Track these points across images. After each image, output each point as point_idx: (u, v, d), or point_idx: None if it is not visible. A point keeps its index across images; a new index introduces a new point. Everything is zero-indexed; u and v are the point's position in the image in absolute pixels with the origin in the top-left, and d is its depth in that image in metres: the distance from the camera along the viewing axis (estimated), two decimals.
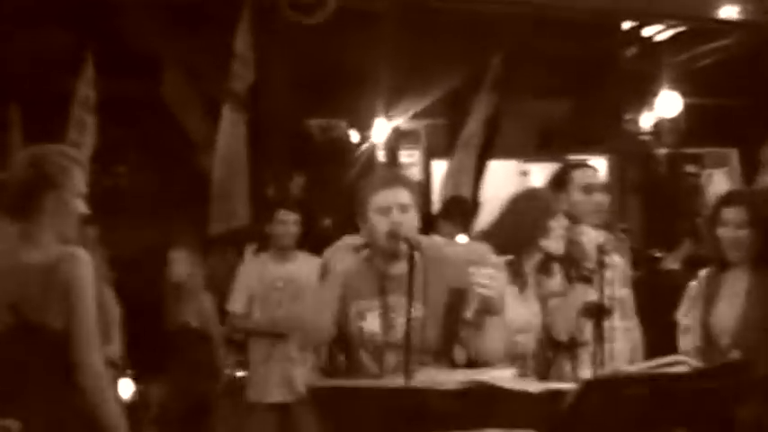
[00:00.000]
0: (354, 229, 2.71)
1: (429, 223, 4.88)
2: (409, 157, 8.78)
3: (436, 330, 2.52)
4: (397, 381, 2.28)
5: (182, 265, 5.11)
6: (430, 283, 2.51)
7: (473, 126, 7.39)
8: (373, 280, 2.60)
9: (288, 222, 4.81)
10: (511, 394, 2.13)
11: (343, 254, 2.55)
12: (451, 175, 7.37)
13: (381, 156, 8.25)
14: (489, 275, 2.40)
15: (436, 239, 3.12)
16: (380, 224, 2.57)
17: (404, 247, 2.48)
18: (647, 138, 8.72)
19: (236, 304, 4.93)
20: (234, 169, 6.34)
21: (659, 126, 8.53)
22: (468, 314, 2.44)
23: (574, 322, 2.97)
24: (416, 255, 2.46)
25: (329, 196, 7.49)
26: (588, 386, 2.13)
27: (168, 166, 7.19)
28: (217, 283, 5.45)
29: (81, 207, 2.62)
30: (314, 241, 4.94)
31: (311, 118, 8.07)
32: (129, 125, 7.03)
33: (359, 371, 2.54)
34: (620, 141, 8.72)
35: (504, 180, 7.62)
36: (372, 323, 2.58)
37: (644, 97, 8.37)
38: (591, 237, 2.98)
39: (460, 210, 5.21)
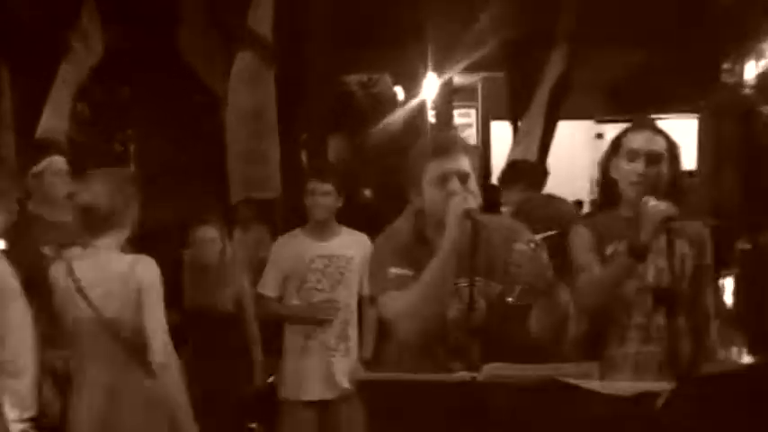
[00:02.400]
0: (400, 202, 2.78)
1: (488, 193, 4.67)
2: (464, 117, 8.81)
3: (495, 317, 2.59)
4: (461, 374, 2.32)
5: (214, 244, 5.00)
6: (492, 262, 2.59)
7: (546, 83, 7.30)
8: (429, 251, 2.64)
9: (319, 193, 4.70)
10: (592, 394, 2.17)
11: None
12: (520, 139, 7.26)
13: (432, 116, 8.16)
14: (526, 255, 2.43)
15: (498, 217, 3.16)
16: (438, 197, 2.61)
17: (466, 223, 2.53)
18: (748, 91, 8.39)
19: (268, 287, 4.85)
20: (261, 129, 6.33)
21: (764, 78, 8.27)
22: (511, 297, 2.48)
23: (600, 296, 2.97)
24: (475, 230, 2.53)
25: (371, 163, 7.53)
26: (685, 386, 2.20)
27: (186, 127, 7.19)
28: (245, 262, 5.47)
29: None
30: (354, 214, 4.99)
31: (350, 73, 8.07)
32: (138, 83, 7.20)
33: (412, 361, 2.60)
34: (715, 96, 8.42)
35: (576, 143, 7.82)
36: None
37: (746, 43, 8.09)
38: (656, 208, 2.91)
39: (526, 177, 4.90)
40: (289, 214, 5.93)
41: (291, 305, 4.82)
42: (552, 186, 5.05)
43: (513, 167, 5.24)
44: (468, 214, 2.54)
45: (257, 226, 6.40)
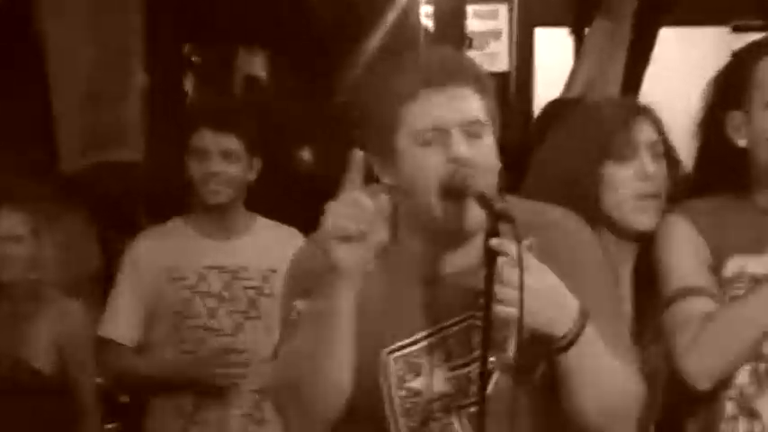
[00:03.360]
0: (362, 173, 2.24)
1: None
2: (487, 20, 7.56)
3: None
4: None
5: (18, 246, 4.21)
6: (532, 289, 2.07)
7: None
8: (419, 292, 2.29)
9: (214, 153, 3.88)
10: None
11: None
12: (587, 64, 6.15)
13: (428, 16, 7.16)
14: (506, 277, 2.06)
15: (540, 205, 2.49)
16: (426, 163, 2.20)
17: (476, 213, 2.15)
18: None
19: (120, 327, 3.99)
20: (111, 50, 5.69)
21: None
22: (509, 352, 2.17)
23: (736, 357, 2.62)
24: (502, 230, 2.10)
25: (312, 100, 6.79)
26: None
27: None
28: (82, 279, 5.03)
29: None
30: (279, 196, 4.64)
31: None
32: None
33: None
34: None
35: (695, 67, 6.52)
36: (427, 378, 2.29)
37: None
38: None
39: None
40: (160, 193, 5.23)
41: (162, 359, 4.01)
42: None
43: (553, 110, 4.27)
44: (480, 199, 2.12)
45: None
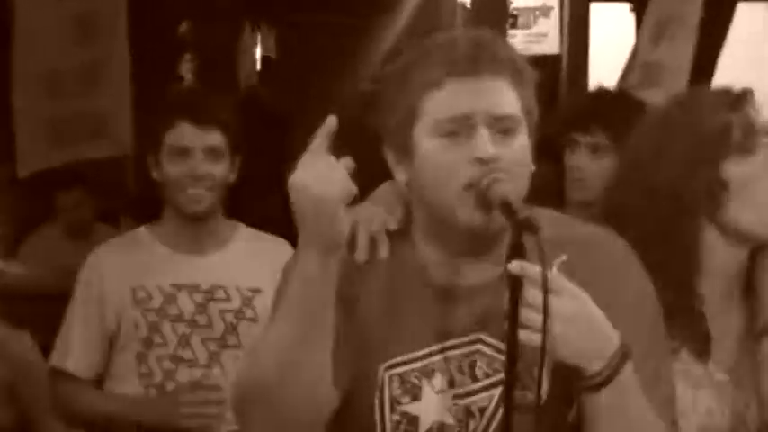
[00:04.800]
0: (370, 177, 2.36)
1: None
2: None
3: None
4: None
5: None
6: (562, 315, 2.01)
7: None
8: (427, 305, 2.25)
9: (196, 149, 3.68)
10: None
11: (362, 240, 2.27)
12: (650, 49, 5.90)
13: None
14: (531, 299, 2.02)
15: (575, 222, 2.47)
16: (446, 160, 2.18)
17: (500, 220, 2.12)
18: None
19: (75, 356, 3.76)
20: (90, 25, 5.53)
21: None
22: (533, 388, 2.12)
23: None
24: (529, 244, 2.05)
25: (325, 91, 6.72)
26: None
27: None
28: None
29: None
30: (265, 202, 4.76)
31: None
32: None
33: None
34: None
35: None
36: (426, 404, 2.23)
37: None
38: None
39: (624, 122, 3.74)
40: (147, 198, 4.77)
41: (123, 396, 3.79)
42: None
43: (598, 99, 4.21)
44: (503, 206, 2.08)
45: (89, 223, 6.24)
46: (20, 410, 4.03)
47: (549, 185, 4.80)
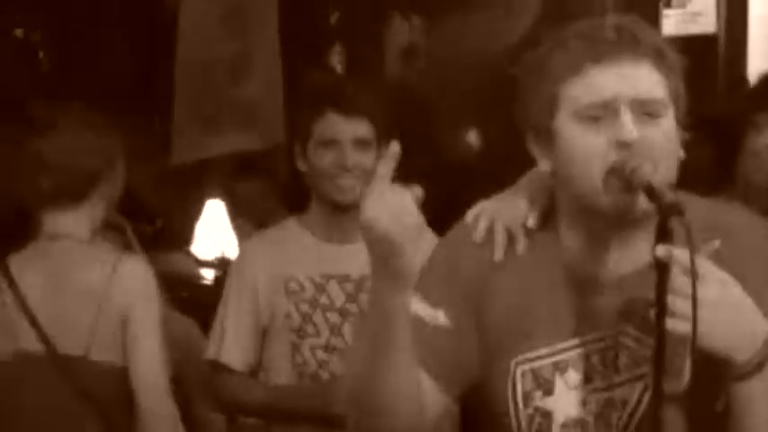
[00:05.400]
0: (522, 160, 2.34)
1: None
2: None
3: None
4: None
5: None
6: (709, 302, 1.96)
7: None
8: (568, 299, 2.23)
9: (345, 140, 3.66)
10: None
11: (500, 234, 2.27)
12: None
13: None
14: (678, 287, 1.98)
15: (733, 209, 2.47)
16: (589, 145, 2.15)
17: (643, 205, 2.08)
18: None
19: (231, 349, 3.76)
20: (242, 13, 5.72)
21: None
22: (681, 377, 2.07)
23: None
24: (678, 230, 2.00)
25: (459, 77, 6.58)
26: None
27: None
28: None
29: None
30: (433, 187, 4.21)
31: None
32: None
33: None
34: None
35: None
36: (559, 399, 2.21)
37: None
38: None
39: None
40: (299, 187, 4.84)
41: (281, 387, 3.79)
42: None
43: None
44: (648, 190, 2.04)
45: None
46: (184, 392, 4.08)
47: (706, 170, 4.69)
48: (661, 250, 1.97)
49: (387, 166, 2.07)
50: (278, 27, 5.82)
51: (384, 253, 2.07)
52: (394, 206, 2.06)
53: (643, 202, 2.07)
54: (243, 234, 6.25)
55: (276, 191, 6.57)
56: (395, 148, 2.07)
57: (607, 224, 2.16)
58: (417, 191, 2.05)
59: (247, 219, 6.36)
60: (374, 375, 2.16)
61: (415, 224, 2.05)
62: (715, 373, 2.04)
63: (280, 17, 5.82)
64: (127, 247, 3.90)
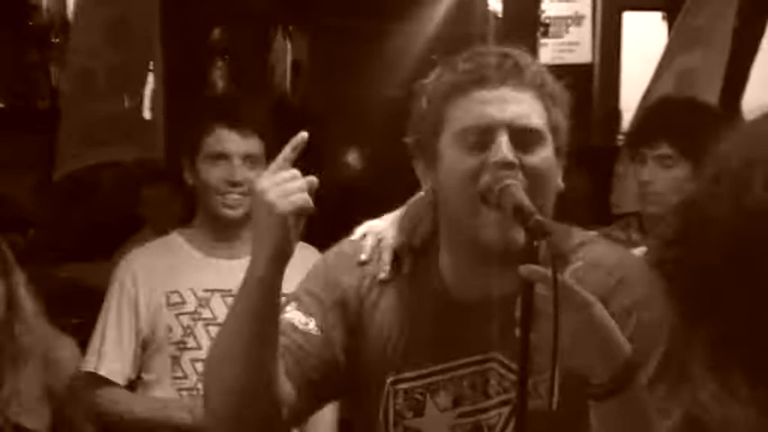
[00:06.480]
0: (406, 182, 2.40)
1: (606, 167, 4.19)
2: (566, 2, 7.45)
3: None
4: None
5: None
6: (570, 324, 1.95)
7: None
8: (443, 322, 2.25)
9: (237, 158, 3.66)
10: None
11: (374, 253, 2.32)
12: (682, 57, 5.77)
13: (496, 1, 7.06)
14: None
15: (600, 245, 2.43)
16: (466, 166, 2.17)
17: (519, 241, 2.08)
18: None
19: (108, 360, 3.73)
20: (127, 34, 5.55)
21: None
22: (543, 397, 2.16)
23: None
24: (544, 255, 2.01)
25: (355, 97, 6.82)
26: None
27: None
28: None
29: None
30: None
31: None
32: None
33: None
34: None
35: None
36: (428, 420, 2.24)
37: None
38: None
39: (691, 131, 3.72)
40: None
41: (161, 400, 3.76)
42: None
43: (663, 110, 4.02)
44: (516, 211, 2.04)
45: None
46: (54, 411, 3.91)
47: (584, 198, 4.76)
48: (525, 270, 1.95)
49: (292, 152, 2.09)
50: (160, 41, 5.75)
51: (270, 225, 2.07)
52: (287, 184, 2.07)
53: (521, 238, 2.06)
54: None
55: (182, 197, 6.49)
56: (303, 135, 2.09)
57: (483, 254, 2.16)
58: (313, 180, 2.07)
59: (153, 225, 6.27)
60: (239, 348, 2.14)
61: (302, 205, 2.06)
62: (581, 393, 2.04)
63: (162, 31, 5.76)
64: None
